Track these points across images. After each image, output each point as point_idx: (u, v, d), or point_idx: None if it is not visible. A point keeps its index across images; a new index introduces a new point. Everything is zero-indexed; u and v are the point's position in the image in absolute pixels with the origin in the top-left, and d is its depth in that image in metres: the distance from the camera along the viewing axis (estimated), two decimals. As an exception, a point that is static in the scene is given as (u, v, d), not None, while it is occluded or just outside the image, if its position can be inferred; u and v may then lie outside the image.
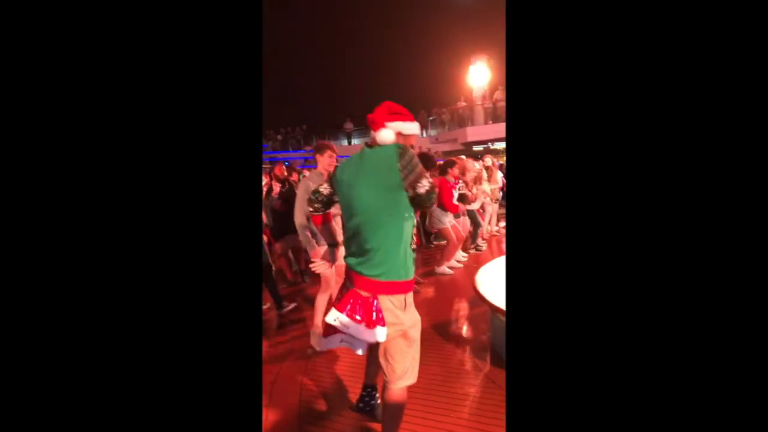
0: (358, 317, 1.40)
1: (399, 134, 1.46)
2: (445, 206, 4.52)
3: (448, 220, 4.58)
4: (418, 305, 1.52)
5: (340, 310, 1.43)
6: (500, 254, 4.84)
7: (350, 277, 1.47)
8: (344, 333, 1.45)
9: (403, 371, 1.48)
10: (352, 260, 1.47)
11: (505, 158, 14.94)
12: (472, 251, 5.46)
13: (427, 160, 3.71)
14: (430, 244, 6.09)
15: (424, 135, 16.77)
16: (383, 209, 1.37)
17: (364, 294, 1.42)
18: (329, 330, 1.51)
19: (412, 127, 1.49)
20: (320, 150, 2.81)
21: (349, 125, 17.89)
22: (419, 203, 1.39)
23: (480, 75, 15.18)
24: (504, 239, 6.35)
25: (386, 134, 1.43)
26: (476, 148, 14.33)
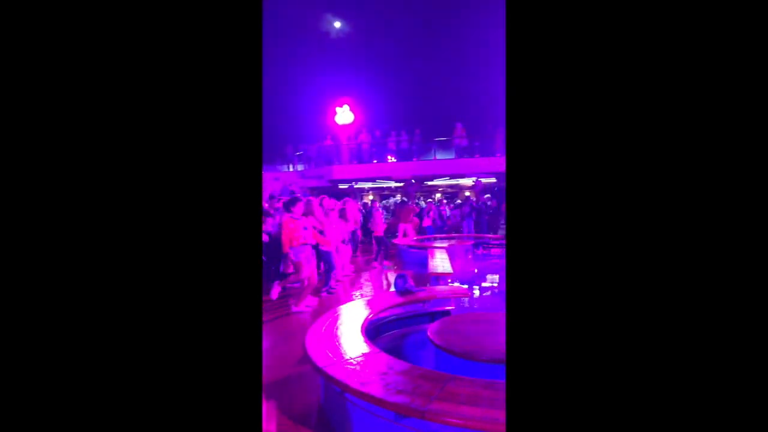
0: None
1: None
2: (283, 246, 4.37)
3: (304, 256, 4.41)
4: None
5: None
6: (348, 300, 4.80)
7: None
8: None
9: None
10: None
11: (369, 197, 15.55)
12: (326, 294, 5.33)
13: None
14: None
15: (291, 169, 16.55)
16: None
17: None
18: None
19: None
20: None
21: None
22: None
23: (345, 116, 15.78)
24: (351, 284, 6.39)
25: None
26: (342, 185, 14.64)
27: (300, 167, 16.56)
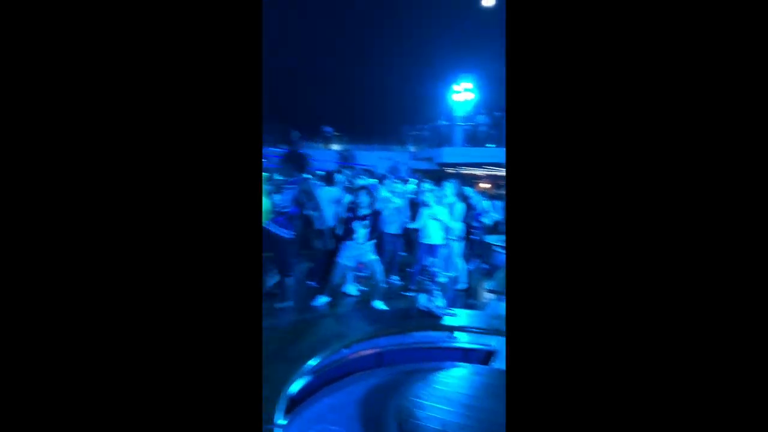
0: None
1: None
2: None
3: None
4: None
5: None
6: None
7: None
8: None
9: None
10: None
11: (484, 186, 14.22)
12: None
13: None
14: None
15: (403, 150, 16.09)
16: None
17: None
18: None
19: None
20: None
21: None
22: None
23: (464, 95, 14.59)
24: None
25: None
26: (449, 170, 13.56)
27: (412, 148, 15.98)
